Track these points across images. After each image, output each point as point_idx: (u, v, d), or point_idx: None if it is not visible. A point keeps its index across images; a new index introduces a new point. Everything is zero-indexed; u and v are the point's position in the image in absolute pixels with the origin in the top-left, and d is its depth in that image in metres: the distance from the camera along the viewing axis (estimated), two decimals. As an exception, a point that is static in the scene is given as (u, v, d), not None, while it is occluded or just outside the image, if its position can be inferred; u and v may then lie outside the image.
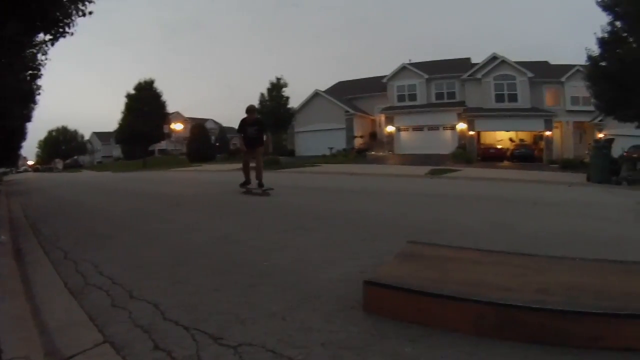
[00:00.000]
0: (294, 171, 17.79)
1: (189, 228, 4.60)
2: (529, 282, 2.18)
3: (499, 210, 6.21)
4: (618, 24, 14.71)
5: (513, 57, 29.86)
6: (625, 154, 21.98)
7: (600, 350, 1.77)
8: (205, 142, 39.37)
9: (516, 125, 28.35)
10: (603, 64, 14.79)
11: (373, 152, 29.15)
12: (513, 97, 28.37)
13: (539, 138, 28.28)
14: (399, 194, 8.56)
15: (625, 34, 14.49)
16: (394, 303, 2.04)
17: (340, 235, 4.04)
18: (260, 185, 7.61)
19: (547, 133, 27.23)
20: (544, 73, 29.78)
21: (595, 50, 15.05)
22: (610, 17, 14.73)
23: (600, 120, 24.13)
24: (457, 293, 1.98)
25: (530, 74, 28.13)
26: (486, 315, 1.90)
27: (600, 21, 15.02)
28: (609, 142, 17.53)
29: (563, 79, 28.56)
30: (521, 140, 29.10)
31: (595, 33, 14.96)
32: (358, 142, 32.11)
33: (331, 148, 29.68)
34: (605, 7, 14.72)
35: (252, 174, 7.75)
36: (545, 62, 32.76)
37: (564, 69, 29.07)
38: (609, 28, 14.79)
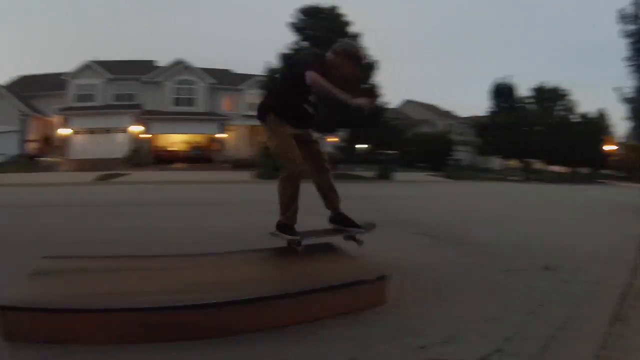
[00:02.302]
0: None
1: None
2: (166, 282, 2.39)
3: (164, 213, 6.51)
4: (304, 43, 19.39)
5: (199, 64, 32.93)
6: None
7: (238, 336, 2.11)
8: None
9: (192, 129, 31.73)
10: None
11: (46, 158, 27.90)
12: (191, 102, 31.74)
13: (213, 140, 32.21)
14: (58, 206, 8.41)
15: None
16: (30, 325, 1.97)
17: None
18: None
19: (221, 136, 31.54)
20: (225, 80, 34.13)
21: (276, 63, 19.14)
22: (299, 37, 19.52)
23: None
24: (93, 304, 2.05)
25: (211, 80, 32.11)
26: (126, 322, 2.02)
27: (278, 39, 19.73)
28: None
29: (242, 86, 33.39)
30: (196, 142, 32.45)
31: (277, 49, 19.29)
32: (32, 147, 29.80)
33: (1, 154, 26.84)
34: (297, 29, 19.59)
35: None
36: (227, 71, 37.50)
37: (244, 78, 33.90)
38: (295, 46, 19.37)
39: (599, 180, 53.77)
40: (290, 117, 3.37)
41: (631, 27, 11.28)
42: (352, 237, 3.65)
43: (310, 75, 3.06)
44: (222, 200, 8.53)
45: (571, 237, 6.44)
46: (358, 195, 9.98)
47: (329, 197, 3.65)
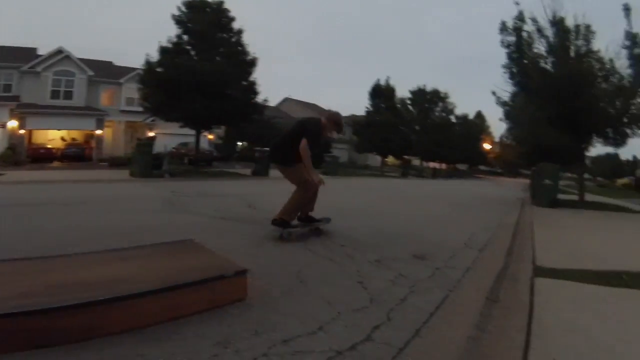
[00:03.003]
0: None
1: None
2: (14, 287, 2.21)
3: (32, 216, 5.77)
4: (185, 37, 18.00)
5: (81, 54, 30.05)
6: (173, 149, 26.73)
7: (101, 339, 2.01)
8: None
9: (69, 124, 28.88)
10: (159, 69, 16.78)
11: None
12: (69, 95, 28.74)
13: (90, 137, 29.81)
14: None
15: (189, 47, 17.89)
16: None
17: None
18: None
19: (99, 132, 29.21)
20: (106, 73, 31.62)
21: (156, 57, 17.19)
22: (180, 30, 17.90)
23: (152, 120, 27.79)
24: None
25: (90, 72, 29.33)
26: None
27: (167, 33, 17.78)
28: (151, 139, 20.81)
29: (122, 80, 31.16)
30: (73, 139, 29.75)
31: (160, 41, 17.51)
32: None
33: None
34: (178, 21, 17.89)
35: None
36: (110, 63, 34.93)
37: (126, 71, 31.64)
38: (175, 39, 17.79)
39: (477, 176, 58.96)
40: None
41: (509, 38, 12.19)
42: (317, 228, 5.27)
43: (303, 143, 4.61)
44: (92, 199, 7.93)
45: (444, 227, 6.70)
46: (230, 193, 9.88)
47: (306, 206, 5.11)
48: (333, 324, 2.43)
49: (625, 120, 11.64)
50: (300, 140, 4.66)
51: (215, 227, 5.32)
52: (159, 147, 18.66)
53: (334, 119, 5.24)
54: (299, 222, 5.07)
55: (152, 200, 7.69)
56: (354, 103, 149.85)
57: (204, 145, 28.06)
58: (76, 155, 27.12)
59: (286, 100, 57.32)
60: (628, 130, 11.90)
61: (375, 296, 2.95)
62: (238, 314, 2.46)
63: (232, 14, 18.96)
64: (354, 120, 38.66)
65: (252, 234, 4.94)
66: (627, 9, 11.39)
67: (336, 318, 2.50)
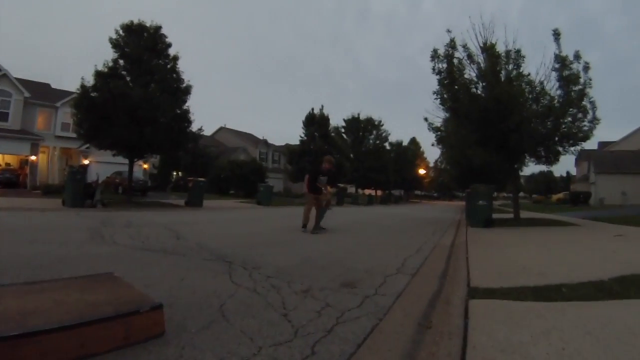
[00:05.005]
0: None
1: None
2: None
3: None
4: (121, 61, 17.21)
5: (17, 73, 28.60)
6: (107, 178, 25.74)
7: None
8: None
9: (4, 148, 27.14)
10: (94, 94, 16.11)
11: None
12: (4, 116, 27.16)
13: (24, 162, 28.32)
14: None
15: (125, 72, 17.14)
16: None
17: None
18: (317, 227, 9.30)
19: (33, 158, 27.68)
20: (43, 96, 30.20)
21: (91, 80, 16.33)
22: (116, 54, 17.13)
23: (87, 148, 26.37)
24: None
25: (27, 94, 27.90)
26: None
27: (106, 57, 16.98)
28: (83, 167, 19.71)
29: (58, 104, 29.75)
30: (7, 164, 28.47)
31: (95, 65, 16.67)
32: None
33: None
34: (115, 45, 17.12)
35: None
36: (47, 85, 33.61)
37: (63, 94, 30.38)
38: (111, 64, 16.94)
39: (413, 201, 60.27)
40: (312, 189, 9.46)
41: (441, 65, 12.36)
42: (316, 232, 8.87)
43: (306, 177, 9.57)
44: (18, 228, 7.64)
45: (376, 253, 6.47)
46: (160, 223, 9.57)
47: (315, 219, 9.25)
48: (252, 359, 2.27)
49: (556, 138, 12.04)
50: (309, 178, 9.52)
51: (139, 259, 4.99)
52: (92, 176, 17.68)
53: (330, 161, 9.74)
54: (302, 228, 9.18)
55: (79, 231, 7.40)
56: (290, 132, 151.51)
57: (138, 174, 27.51)
58: (9, 182, 25.66)
59: (221, 129, 57.22)
60: (559, 148, 12.31)
61: (300, 329, 2.75)
62: (154, 350, 2.30)
63: (169, 39, 18.54)
64: (288, 149, 38.98)
65: (177, 265, 4.68)
66: (556, 34, 11.96)
67: (257, 354, 2.33)
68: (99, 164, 27.85)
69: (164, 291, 3.38)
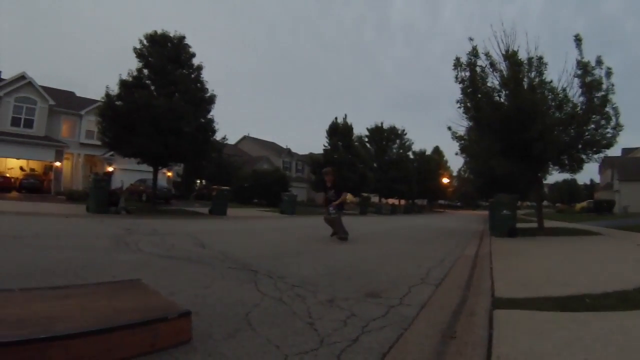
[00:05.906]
0: None
1: None
2: None
3: None
4: (145, 71, 17.69)
5: (43, 82, 29.33)
6: (131, 185, 26.27)
7: None
8: None
9: (28, 154, 27.87)
10: (119, 103, 16.52)
11: None
12: (30, 123, 27.98)
13: (49, 168, 28.99)
14: None
15: (149, 82, 17.58)
16: None
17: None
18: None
19: (57, 164, 28.43)
20: (67, 104, 31.01)
21: (116, 90, 16.86)
22: (141, 63, 17.62)
23: (111, 155, 27.06)
24: None
25: (52, 102, 28.67)
26: None
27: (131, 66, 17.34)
28: (107, 175, 20.17)
29: (83, 112, 30.62)
30: (32, 169, 29.07)
31: (120, 74, 17.20)
32: None
33: None
34: (139, 55, 17.61)
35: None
36: (72, 93, 34.45)
37: (87, 102, 31.19)
38: (135, 73, 17.47)
39: (436, 210, 59.60)
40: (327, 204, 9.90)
41: (464, 74, 12.37)
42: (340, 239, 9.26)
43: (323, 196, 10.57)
44: (44, 233, 7.71)
45: (401, 263, 6.48)
46: (184, 232, 9.64)
47: (333, 230, 9.63)
48: (281, 367, 2.27)
49: (579, 146, 11.91)
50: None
51: (164, 266, 5.06)
52: (117, 183, 18.15)
53: (329, 173, 10.13)
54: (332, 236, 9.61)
55: (104, 238, 7.49)
56: (313, 141, 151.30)
57: (162, 182, 27.67)
58: (34, 187, 26.31)
59: (245, 138, 57.52)
60: (583, 156, 12.16)
61: (326, 337, 2.75)
62: (181, 357, 2.32)
63: (193, 49, 18.87)
64: (312, 158, 38.81)
65: (202, 273, 4.71)
66: (578, 40, 11.80)
67: (283, 361, 2.33)
68: (123, 171, 28.29)
69: (189, 299, 3.42)
